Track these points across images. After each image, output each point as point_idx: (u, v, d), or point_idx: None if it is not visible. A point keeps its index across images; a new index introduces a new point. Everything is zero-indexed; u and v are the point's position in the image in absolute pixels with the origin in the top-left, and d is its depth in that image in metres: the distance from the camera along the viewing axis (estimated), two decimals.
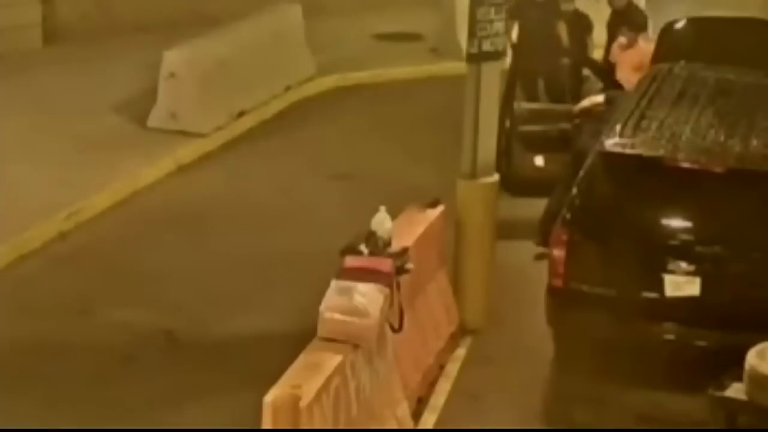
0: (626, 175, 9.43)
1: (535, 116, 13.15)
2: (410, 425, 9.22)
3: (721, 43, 12.52)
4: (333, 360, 8.04)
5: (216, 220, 13.06)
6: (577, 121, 12.42)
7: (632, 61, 13.63)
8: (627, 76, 13.53)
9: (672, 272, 9.10)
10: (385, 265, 8.75)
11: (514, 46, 14.74)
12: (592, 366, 9.06)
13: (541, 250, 11.77)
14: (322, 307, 8.38)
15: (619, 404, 9.22)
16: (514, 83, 12.98)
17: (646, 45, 13.85)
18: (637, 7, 14.81)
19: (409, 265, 9.07)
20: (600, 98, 12.24)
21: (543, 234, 11.72)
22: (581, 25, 15.14)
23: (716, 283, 9.00)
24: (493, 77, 10.57)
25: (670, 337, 9.17)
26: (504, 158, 12.30)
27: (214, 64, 15.57)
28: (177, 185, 14.10)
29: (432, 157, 14.38)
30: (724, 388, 8.22)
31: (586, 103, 12.40)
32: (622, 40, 13.86)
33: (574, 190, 9.54)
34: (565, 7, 15.14)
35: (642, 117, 9.98)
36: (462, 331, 10.70)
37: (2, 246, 12.04)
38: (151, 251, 12.31)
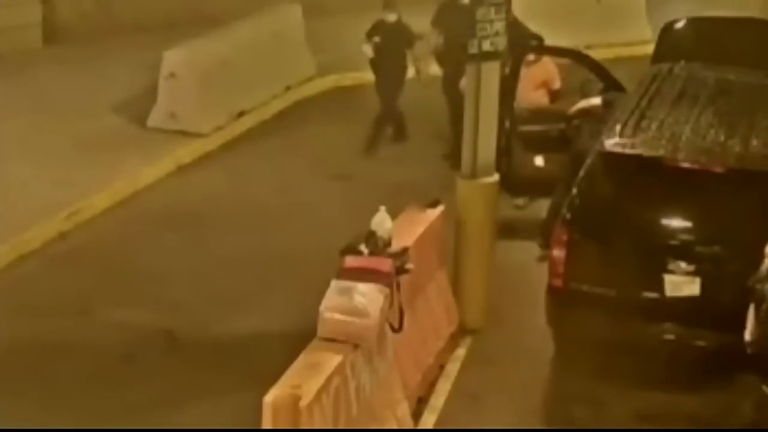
0: (626, 175, 9.44)
1: (535, 116, 13.14)
2: (410, 425, 9.22)
3: (721, 43, 12.53)
4: (333, 360, 8.04)
5: (216, 220, 13.06)
6: (575, 122, 12.41)
7: (535, 77, 13.30)
8: (527, 95, 13.14)
9: (672, 272, 9.11)
10: (385, 265, 8.75)
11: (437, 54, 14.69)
12: (592, 366, 9.06)
13: (544, 252, 11.74)
14: (322, 307, 8.38)
15: (619, 404, 9.23)
16: (515, 83, 12.96)
17: (552, 64, 13.50)
18: (524, 26, 14.20)
19: (409, 265, 9.07)
20: (597, 100, 12.20)
21: (546, 236, 11.70)
22: (402, 37, 14.84)
23: (716, 283, 9.00)
24: (493, 77, 10.57)
25: (670, 337, 9.17)
26: (504, 158, 12.29)
27: (214, 64, 15.57)
28: (177, 185, 14.10)
29: (432, 157, 14.40)
30: None
31: (582, 104, 12.37)
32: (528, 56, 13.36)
33: (574, 190, 9.55)
34: (388, 18, 14.80)
35: (642, 117, 9.99)
36: (462, 331, 10.70)
37: (2, 246, 12.05)
38: (151, 251, 12.31)
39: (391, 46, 14.83)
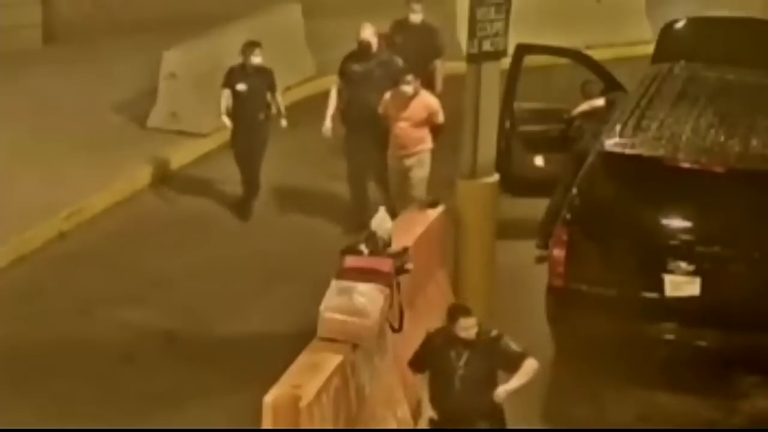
0: (626, 175, 9.44)
1: (535, 116, 13.14)
2: (410, 425, 9.22)
3: (721, 43, 12.53)
4: (333, 360, 8.05)
5: (216, 220, 13.06)
6: (577, 122, 12.42)
7: (416, 114, 11.87)
8: (407, 134, 11.87)
9: (672, 272, 9.12)
10: (385, 265, 8.76)
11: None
12: (592, 366, 9.06)
13: (541, 253, 11.72)
14: (322, 307, 8.39)
15: (619, 404, 9.23)
16: (515, 83, 12.96)
17: (432, 97, 12.14)
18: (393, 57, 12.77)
19: (409, 265, 9.07)
20: (600, 101, 12.20)
21: (544, 236, 11.69)
22: (266, 82, 13.09)
23: (716, 283, 9.01)
24: (493, 77, 10.57)
25: (670, 337, 9.18)
26: (504, 158, 12.30)
27: (215, 64, 15.53)
28: (177, 185, 14.09)
29: (432, 157, 14.37)
30: None
31: (584, 107, 12.36)
32: (406, 89, 11.79)
33: (574, 190, 9.56)
34: (254, 60, 12.92)
35: (642, 117, 9.99)
36: None
37: (2, 246, 12.05)
38: (151, 251, 12.30)
39: (255, 95, 13.01)
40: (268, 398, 7.55)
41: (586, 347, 9.15)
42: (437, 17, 18.93)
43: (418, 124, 11.93)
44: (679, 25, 13.63)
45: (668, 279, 9.14)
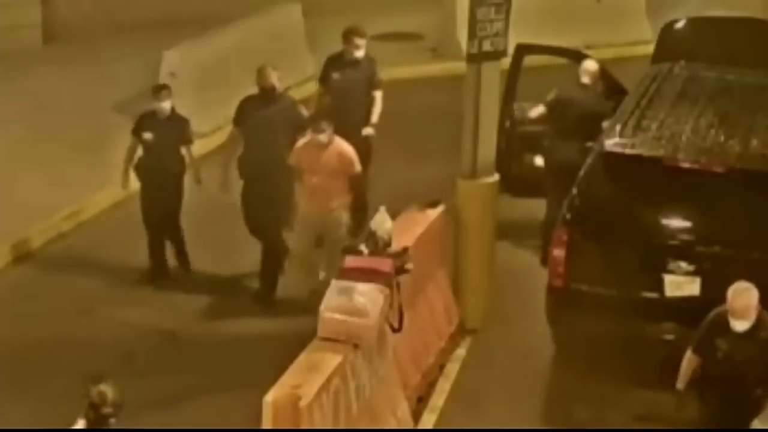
0: (626, 175, 9.45)
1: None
2: (410, 425, 9.23)
3: (721, 43, 12.54)
4: (333, 360, 8.06)
5: (216, 219, 13.04)
6: (532, 128, 12.40)
7: (327, 165, 10.71)
8: (324, 185, 10.72)
9: (672, 272, 9.12)
10: (385, 265, 8.76)
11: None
12: (593, 366, 9.07)
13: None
14: (322, 307, 8.39)
15: (619, 404, 9.23)
16: (515, 83, 12.96)
17: (347, 146, 10.86)
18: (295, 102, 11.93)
19: (409, 265, 9.07)
20: (541, 109, 12.13)
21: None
22: (177, 134, 11.83)
23: (716, 283, 8.99)
24: (493, 77, 10.57)
25: (670, 337, 9.18)
26: (504, 158, 12.30)
27: (214, 64, 15.55)
28: None
29: (432, 157, 14.38)
30: None
31: (533, 113, 12.26)
32: (320, 138, 10.62)
33: (574, 190, 9.56)
34: (162, 106, 11.78)
35: (642, 117, 10.00)
36: (462, 331, 10.70)
37: (2, 246, 12.05)
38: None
39: (165, 146, 11.70)
40: (268, 398, 7.56)
41: (586, 347, 9.16)
42: (437, 17, 19.06)
43: (334, 175, 10.73)
44: (679, 25, 13.63)
45: (668, 279, 9.15)
